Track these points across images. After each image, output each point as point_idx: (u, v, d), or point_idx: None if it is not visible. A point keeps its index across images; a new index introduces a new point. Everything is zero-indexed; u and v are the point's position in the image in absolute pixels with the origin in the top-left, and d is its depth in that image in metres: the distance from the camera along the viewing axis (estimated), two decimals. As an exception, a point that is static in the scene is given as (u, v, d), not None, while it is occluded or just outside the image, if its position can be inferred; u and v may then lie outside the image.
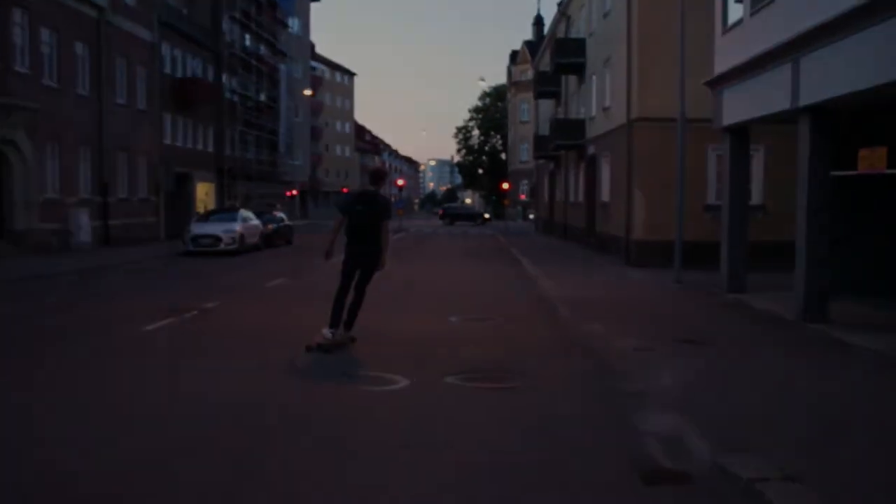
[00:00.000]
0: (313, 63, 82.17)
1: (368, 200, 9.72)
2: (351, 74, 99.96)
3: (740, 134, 15.02)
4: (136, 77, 33.54)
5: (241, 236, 27.37)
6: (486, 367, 8.57)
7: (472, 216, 66.91)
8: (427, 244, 34.91)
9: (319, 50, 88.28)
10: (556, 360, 9.26)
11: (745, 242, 15.14)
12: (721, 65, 14.97)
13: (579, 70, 33.27)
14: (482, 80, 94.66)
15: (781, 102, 12.11)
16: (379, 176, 10.32)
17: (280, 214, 35.55)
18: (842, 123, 12.01)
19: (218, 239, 26.59)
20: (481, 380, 7.98)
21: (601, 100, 28.65)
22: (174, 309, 12.67)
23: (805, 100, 11.43)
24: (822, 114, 11.49)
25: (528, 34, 72.85)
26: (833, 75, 10.70)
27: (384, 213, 9.70)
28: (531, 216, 68.33)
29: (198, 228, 27.37)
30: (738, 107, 14.25)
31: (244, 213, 29.94)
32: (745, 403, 7.01)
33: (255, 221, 30.00)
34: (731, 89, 14.54)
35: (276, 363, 8.71)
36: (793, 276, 12.28)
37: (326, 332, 9.51)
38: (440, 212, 75.18)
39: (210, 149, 43.77)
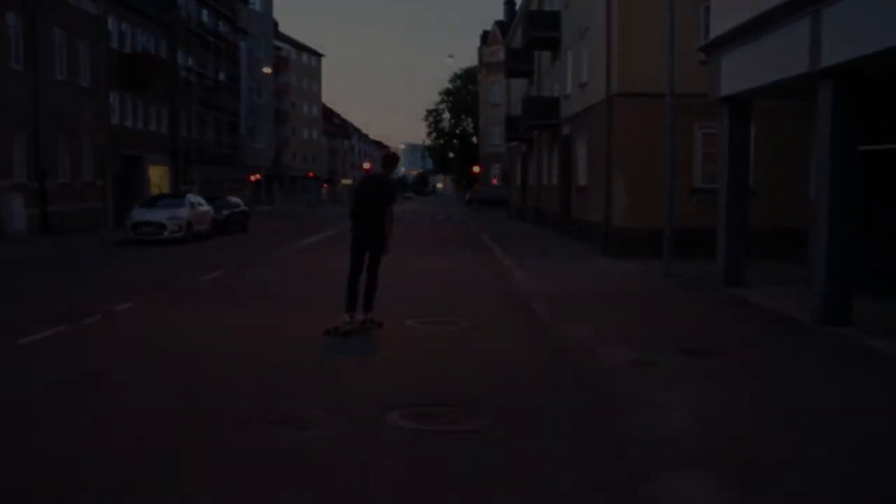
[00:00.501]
0: (278, 43, 79.42)
1: (373, 183, 9.85)
2: (318, 55, 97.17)
3: (740, 107, 13.15)
4: (78, 51, 31.01)
5: (189, 223, 25.14)
6: (443, 396, 6.63)
7: (500, 202, 60.76)
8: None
9: (285, 30, 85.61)
10: (533, 381, 7.33)
11: (744, 230, 13.32)
12: (719, 26, 13.05)
13: (553, 45, 31.31)
14: (451, 56, 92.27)
15: (797, 65, 10.22)
16: (390, 160, 10.21)
17: (235, 199, 33.24)
18: (864, 91, 10.15)
19: (162, 226, 24.33)
20: (433, 417, 5.98)
21: (577, 76, 26.72)
22: (75, 312, 10.57)
23: (828, 60, 9.56)
24: (847, 78, 9.64)
25: (500, 14, 70.62)
26: (863, 29, 8.86)
27: (387, 196, 9.63)
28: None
29: (140, 215, 25.06)
30: (740, 74, 12.35)
31: (193, 197, 27.68)
32: (805, 456, 5.13)
33: (206, 207, 27.74)
34: (731, 54, 12.64)
35: (160, 401, 6.55)
36: (790, 267, 10.48)
37: (345, 316, 9.40)
38: (466, 198, 69.86)
39: (164, 130, 41.25)
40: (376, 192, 9.63)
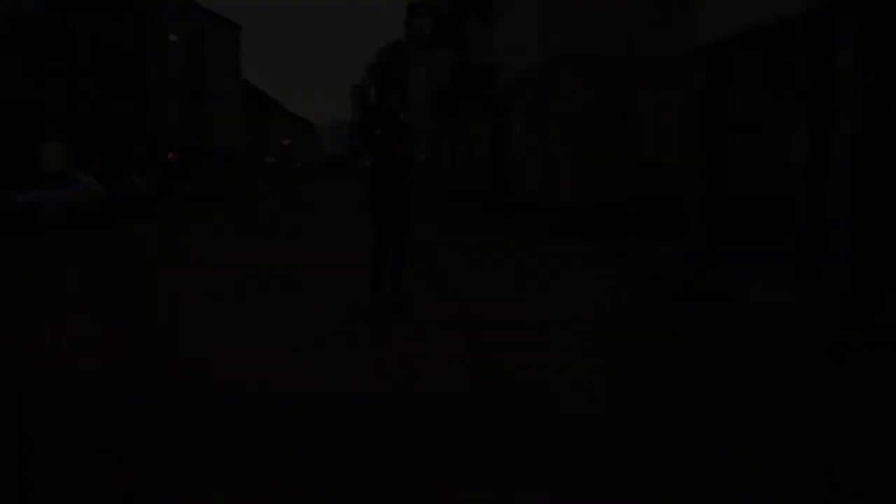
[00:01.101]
0: (192, 13, 75.09)
1: (396, 127, 8.23)
2: (237, 27, 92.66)
3: (719, 60, 10.83)
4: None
5: (72, 207, 21.89)
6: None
7: None
8: (303, 211, 29.74)
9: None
10: (463, 454, 4.79)
11: (723, 209, 11.07)
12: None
13: (484, 9, 28.82)
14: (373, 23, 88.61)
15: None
16: (400, 84, 7.22)
17: (135, 179, 29.87)
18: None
19: (38, 210, 21.03)
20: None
21: (511, 40, 24.28)
22: None
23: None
24: (876, 8, 7.37)
25: (427, -16, 67.69)
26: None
27: (412, 148, 8.34)
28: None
29: (13, 197, 21.58)
30: (723, 16, 10.00)
31: (80, 176, 24.32)
32: None
33: (96, 187, 24.43)
34: (709, -8, 10.31)
35: None
36: (761, 247, 8.44)
37: (370, 297, 8.44)
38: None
39: (59, 103, 37.39)
40: (398, 138, 8.06)
